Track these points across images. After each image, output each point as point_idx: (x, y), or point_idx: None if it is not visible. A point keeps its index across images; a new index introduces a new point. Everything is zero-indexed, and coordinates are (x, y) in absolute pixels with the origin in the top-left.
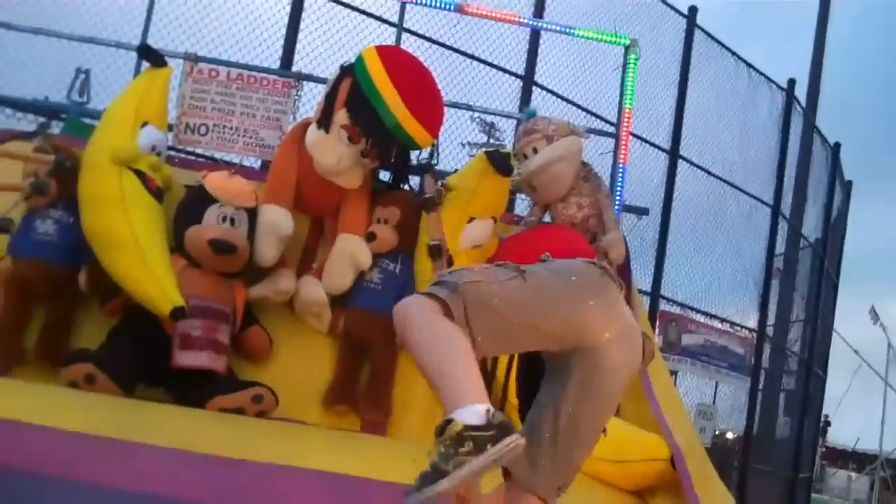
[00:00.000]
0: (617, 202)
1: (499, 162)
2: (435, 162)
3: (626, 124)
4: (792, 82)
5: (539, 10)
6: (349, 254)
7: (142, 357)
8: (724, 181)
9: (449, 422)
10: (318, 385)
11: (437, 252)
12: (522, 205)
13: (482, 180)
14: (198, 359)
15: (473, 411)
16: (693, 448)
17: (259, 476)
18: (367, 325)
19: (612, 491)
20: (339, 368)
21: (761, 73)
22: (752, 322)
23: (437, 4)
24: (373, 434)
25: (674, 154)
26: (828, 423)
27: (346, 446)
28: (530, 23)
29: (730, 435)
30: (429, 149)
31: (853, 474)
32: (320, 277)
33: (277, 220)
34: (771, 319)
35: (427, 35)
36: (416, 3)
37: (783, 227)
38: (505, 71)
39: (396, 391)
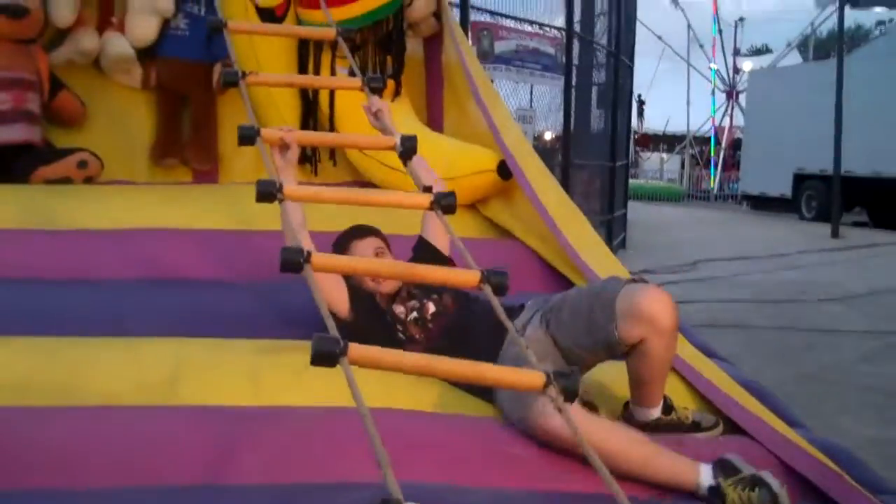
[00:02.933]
0: None
1: None
2: None
3: None
4: None
5: None
6: (149, 1)
7: None
8: None
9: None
10: (141, 142)
11: None
12: None
13: None
14: (11, 132)
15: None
16: (521, 146)
17: (94, 241)
18: (181, 74)
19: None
20: (160, 122)
21: None
22: (560, 21)
23: None
24: (206, 183)
25: None
26: (642, 102)
27: (183, 199)
28: None
29: (549, 135)
30: None
31: (665, 155)
32: (123, 31)
33: None
34: (578, 16)
35: None
36: None
37: None
38: None
39: (221, 136)
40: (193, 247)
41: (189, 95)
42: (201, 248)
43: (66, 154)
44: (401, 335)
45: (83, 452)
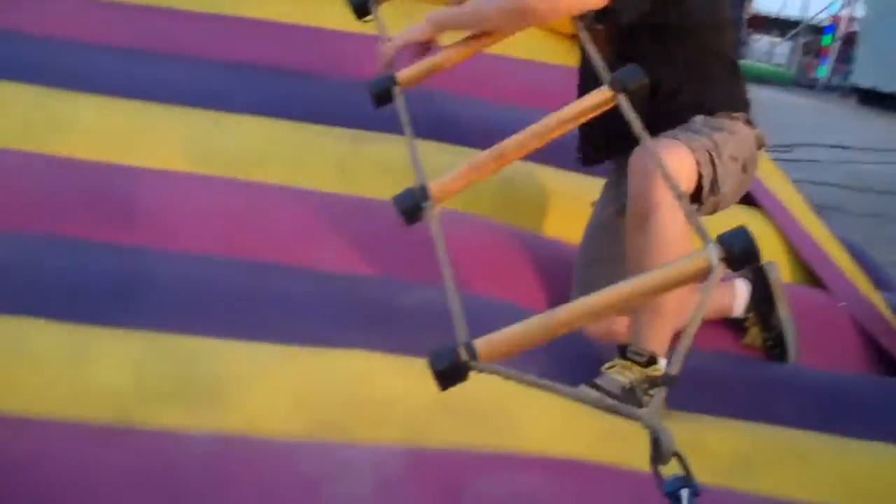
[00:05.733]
0: None
1: None
2: None
3: None
4: None
5: None
6: None
7: None
8: None
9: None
10: None
11: None
12: None
13: None
14: None
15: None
16: None
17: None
18: None
19: None
20: None
21: None
22: None
23: None
24: None
25: None
26: None
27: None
28: None
29: None
30: None
31: (776, 39)
32: None
33: None
34: None
35: None
36: None
37: None
38: None
39: None
40: (301, 43)
41: None
42: (309, 45)
43: None
44: None
45: (177, 216)
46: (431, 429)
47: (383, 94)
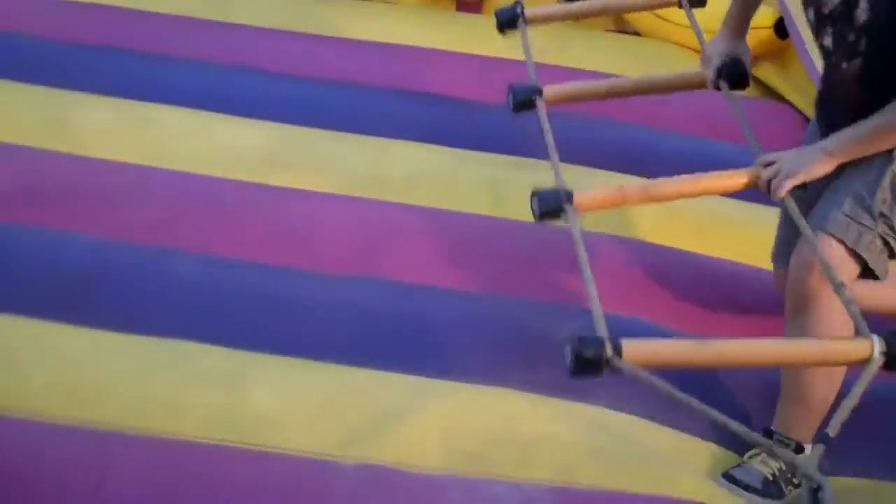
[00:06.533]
0: None
1: None
2: None
3: None
4: None
5: None
6: None
7: None
8: None
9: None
10: None
11: None
12: None
13: None
14: None
15: None
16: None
17: (357, 49)
18: None
19: None
20: None
21: None
22: None
23: None
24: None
25: None
26: None
27: (447, 23)
28: None
29: None
30: None
31: None
32: None
33: None
34: None
35: None
36: None
37: None
38: None
39: None
40: (452, 66)
41: None
42: (459, 68)
43: None
44: None
45: (320, 235)
46: (579, 470)
47: (524, 102)
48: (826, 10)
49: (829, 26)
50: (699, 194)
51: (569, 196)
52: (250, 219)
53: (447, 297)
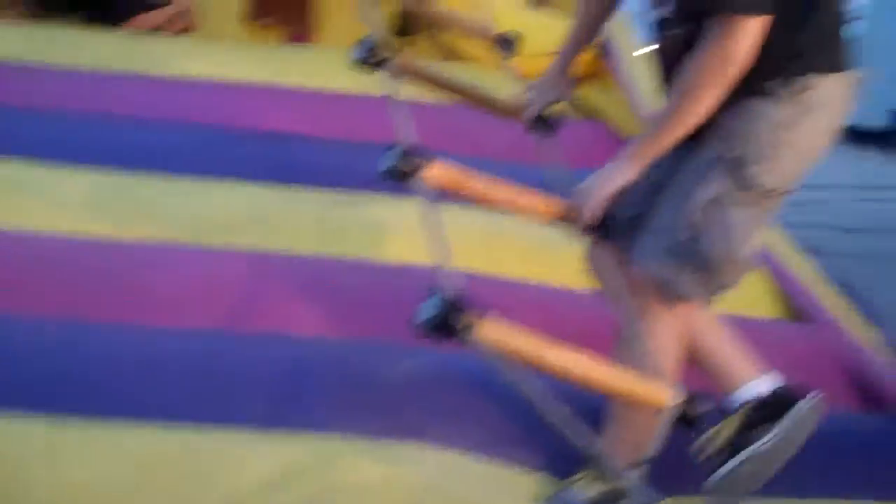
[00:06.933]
0: None
1: None
2: None
3: None
4: None
5: None
6: None
7: None
8: None
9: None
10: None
11: None
12: None
13: None
14: None
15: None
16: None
17: (185, 89)
18: None
19: None
20: None
21: None
22: None
23: None
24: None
25: None
26: None
27: (277, 59)
28: None
29: None
30: None
31: None
32: None
33: None
34: None
35: None
36: None
37: None
38: None
39: None
40: (282, 104)
41: None
42: (289, 105)
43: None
44: None
45: (139, 286)
46: None
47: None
48: None
49: None
50: (523, 212)
51: (421, 162)
52: (70, 273)
53: (273, 344)
